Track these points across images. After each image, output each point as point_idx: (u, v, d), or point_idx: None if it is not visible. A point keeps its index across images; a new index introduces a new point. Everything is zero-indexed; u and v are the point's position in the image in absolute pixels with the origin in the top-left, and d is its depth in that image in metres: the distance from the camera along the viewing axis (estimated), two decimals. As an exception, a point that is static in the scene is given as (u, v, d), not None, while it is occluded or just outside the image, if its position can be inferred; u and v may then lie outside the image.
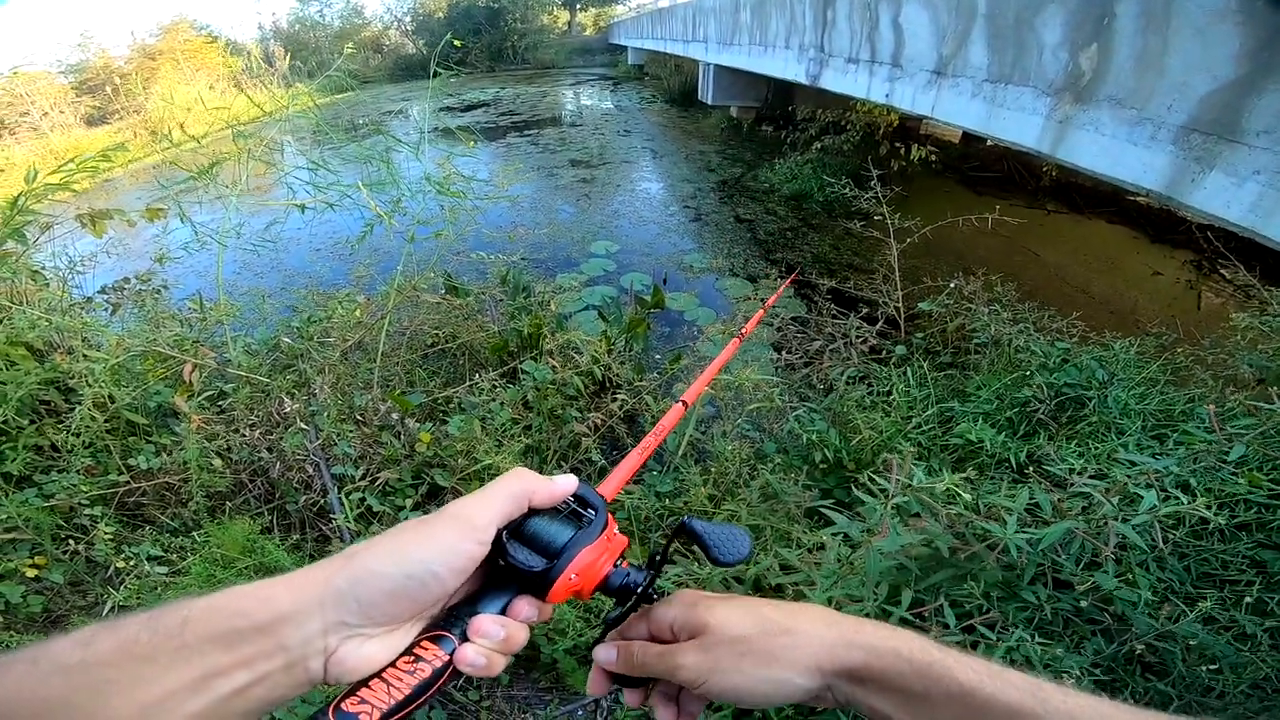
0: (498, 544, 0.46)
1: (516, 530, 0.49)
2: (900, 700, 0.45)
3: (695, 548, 0.55)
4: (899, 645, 0.46)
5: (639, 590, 0.53)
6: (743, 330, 1.91)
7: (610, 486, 0.64)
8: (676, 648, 0.51)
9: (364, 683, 0.40)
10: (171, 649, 0.35)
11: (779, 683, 0.47)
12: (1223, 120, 2.59)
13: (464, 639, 0.44)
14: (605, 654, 0.54)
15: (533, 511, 0.50)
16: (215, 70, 21.86)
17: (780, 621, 0.50)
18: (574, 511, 0.53)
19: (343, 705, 0.39)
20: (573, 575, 0.48)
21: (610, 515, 0.54)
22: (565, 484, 0.52)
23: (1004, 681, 0.42)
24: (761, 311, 2.40)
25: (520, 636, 0.47)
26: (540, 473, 0.52)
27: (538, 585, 0.48)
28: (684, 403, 0.99)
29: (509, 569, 0.47)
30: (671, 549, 0.56)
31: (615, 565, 0.53)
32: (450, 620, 0.45)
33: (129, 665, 0.34)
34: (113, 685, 0.33)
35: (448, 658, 0.42)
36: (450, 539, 0.43)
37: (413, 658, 0.42)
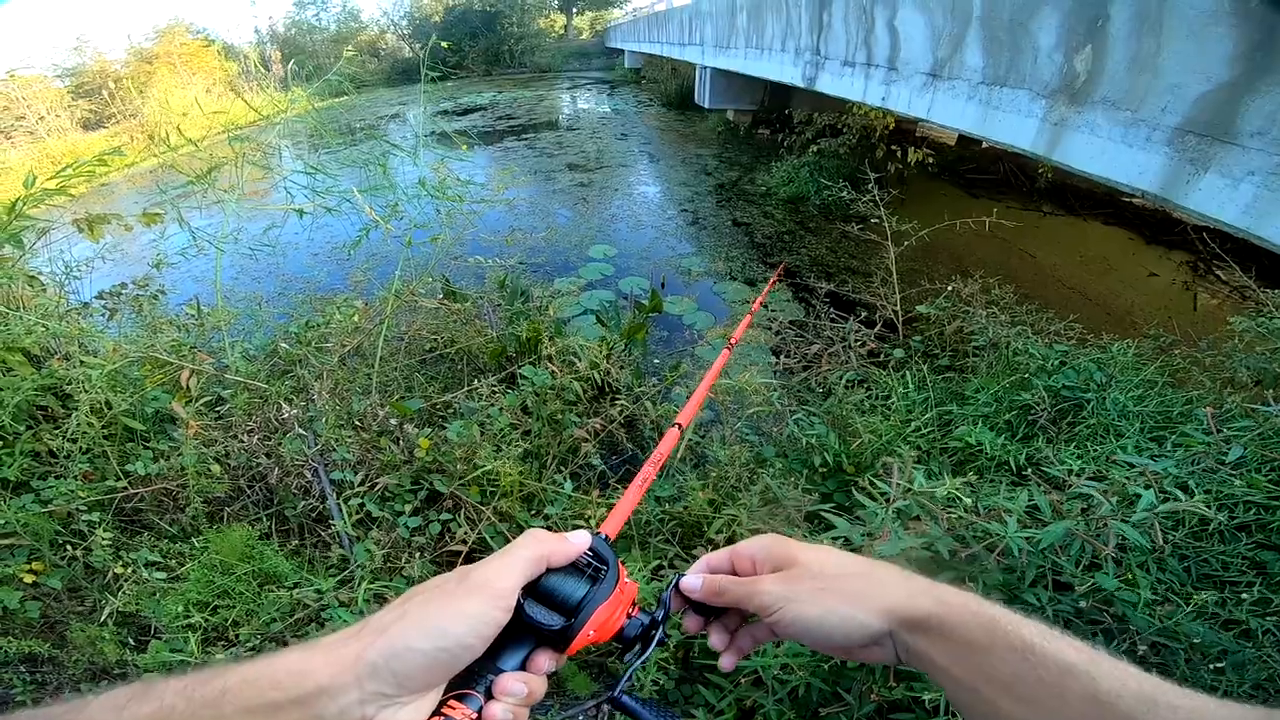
0: (517, 604, 0.48)
1: (533, 588, 0.51)
2: (962, 652, 0.46)
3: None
4: (967, 600, 0.48)
5: (655, 627, 0.57)
6: (731, 339, 1.91)
7: (613, 524, 0.67)
8: (760, 577, 0.56)
9: None
10: (208, 719, 0.36)
11: (846, 619, 0.50)
12: (1217, 122, 2.60)
13: (488, 695, 0.46)
14: (691, 582, 0.59)
15: (549, 570, 0.52)
16: (212, 74, 21.85)
17: (860, 567, 0.54)
18: (588, 566, 0.55)
19: None
20: (590, 631, 0.51)
21: (620, 564, 0.57)
22: (579, 542, 0.55)
23: (1062, 642, 0.43)
24: (748, 317, 2.40)
25: (540, 690, 0.49)
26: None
27: (556, 641, 0.50)
28: (678, 426, 1.01)
29: (528, 625, 0.49)
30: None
31: (628, 616, 0.55)
32: (473, 678, 0.47)
33: None
34: None
35: (475, 716, 0.45)
36: (478, 609, 0.45)
37: (442, 718, 0.44)
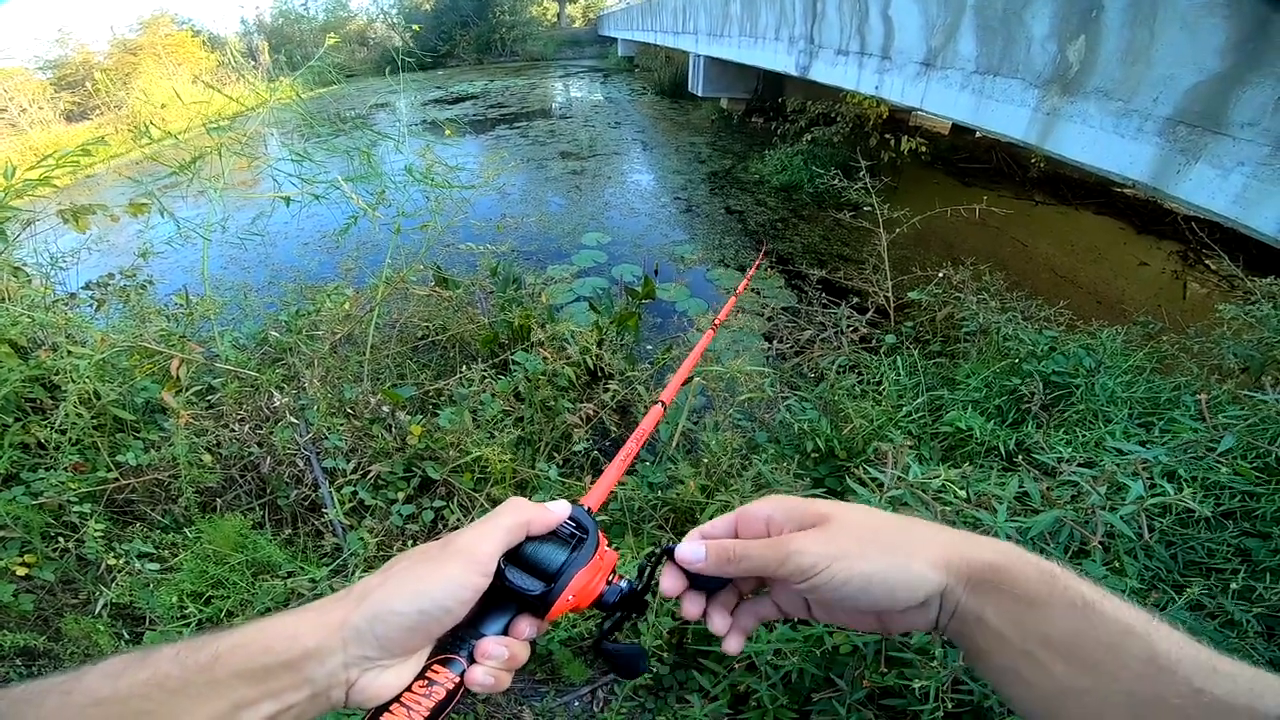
0: (498, 570, 0.49)
1: (515, 555, 0.52)
2: (1019, 608, 0.43)
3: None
4: (1023, 551, 0.46)
5: (634, 593, 0.56)
6: (715, 320, 1.91)
7: (595, 497, 0.68)
8: (792, 536, 0.49)
9: (384, 708, 0.43)
10: (202, 683, 0.37)
11: (906, 570, 0.45)
12: (1208, 112, 2.61)
13: (471, 660, 0.47)
14: (691, 551, 0.52)
15: (530, 537, 0.53)
16: (197, 65, 21.55)
17: (899, 521, 0.50)
18: (569, 534, 0.55)
19: None
20: (570, 596, 0.52)
21: (601, 532, 0.58)
22: (559, 510, 0.55)
23: (1119, 603, 0.42)
24: (732, 299, 2.38)
25: (523, 654, 0.49)
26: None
27: (537, 606, 0.51)
28: (661, 403, 1.01)
29: (509, 591, 0.50)
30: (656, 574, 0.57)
31: (608, 582, 0.55)
32: (456, 643, 0.48)
33: (162, 698, 0.36)
34: (148, 717, 0.36)
35: (458, 679, 0.46)
36: (459, 574, 0.45)
37: (426, 681, 0.45)
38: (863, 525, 0.49)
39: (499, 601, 0.50)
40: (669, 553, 0.54)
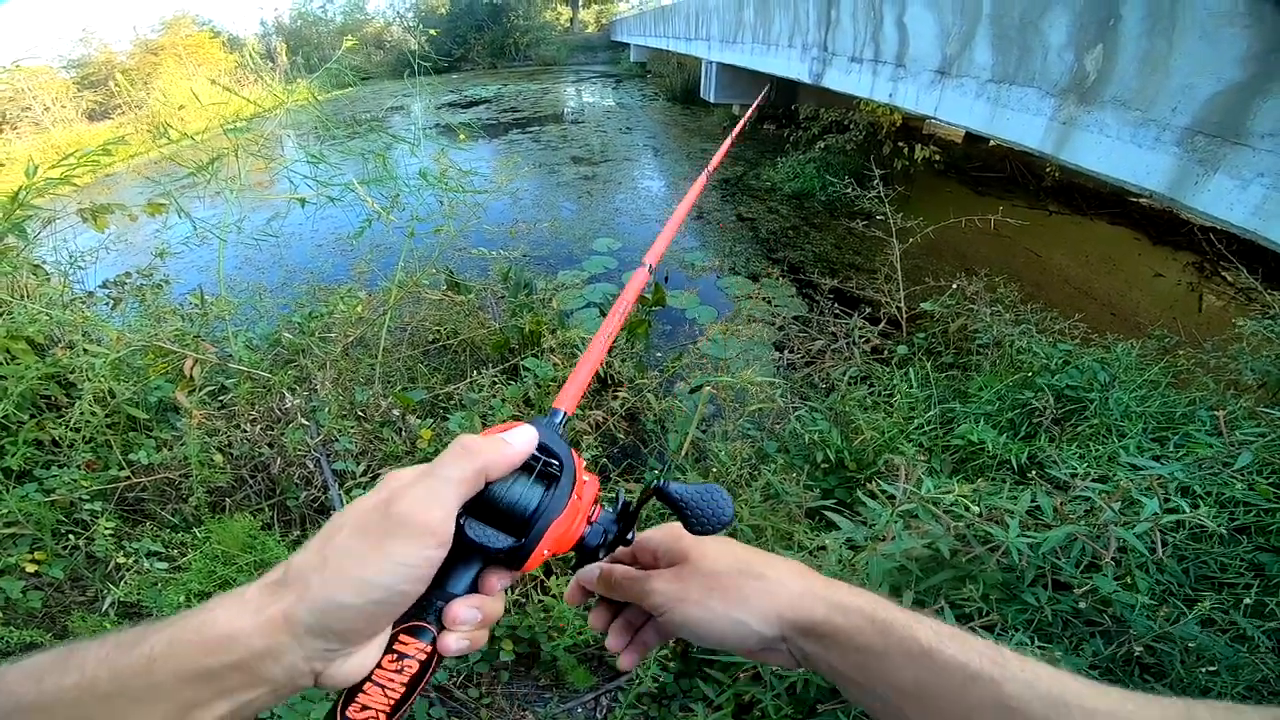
0: (457, 525, 0.42)
1: (476, 503, 0.43)
2: (858, 659, 0.44)
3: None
4: (863, 604, 0.46)
5: (619, 534, 0.52)
6: (709, 167, 1.88)
7: (569, 397, 0.58)
8: (652, 574, 0.52)
9: (358, 688, 0.41)
10: (140, 686, 0.33)
11: (738, 624, 0.47)
12: (1227, 123, 2.58)
13: (440, 625, 0.42)
14: (589, 572, 0.56)
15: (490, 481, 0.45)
16: (217, 66, 21.84)
17: (755, 566, 0.50)
18: (539, 465, 0.46)
19: (348, 713, 0.40)
20: (545, 550, 0.45)
21: (576, 455, 0.49)
22: (523, 442, 0.46)
23: (964, 645, 0.41)
24: (728, 143, 2.31)
25: (497, 610, 0.45)
26: None
27: (508, 560, 0.44)
28: (647, 265, 0.94)
29: (474, 544, 0.43)
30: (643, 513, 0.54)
31: (589, 522, 0.49)
32: (422, 608, 0.42)
33: (94, 704, 0.33)
34: None
35: (430, 648, 0.42)
36: (408, 553, 0.38)
37: (395, 655, 0.41)
38: (714, 570, 0.50)
39: (463, 555, 0.43)
40: (660, 490, 0.50)
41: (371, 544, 0.38)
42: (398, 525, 0.38)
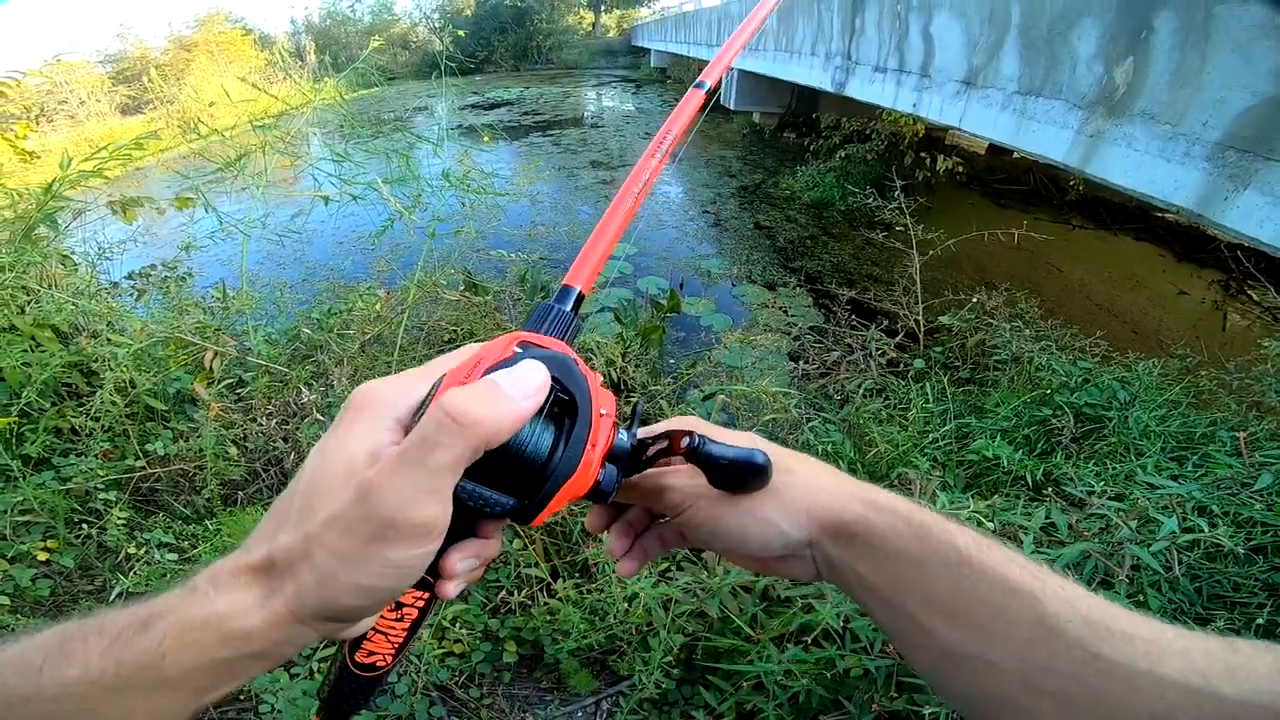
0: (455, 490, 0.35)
1: (472, 467, 0.35)
2: (891, 566, 0.40)
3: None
4: (899, 505, 0.42)
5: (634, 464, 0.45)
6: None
7: (585, 273, 0.50)
8: (666, 470, 0.47)
9: (363, 635, 0.41)
10: (150, 680, 0.32)
11: (764, 523, 0.43)
12: (1260, 137, 2.53)
13: (436, 575, 0.38)
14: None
15: None
16: (248, 63, 22.25)
17: (784, 460, 0.46)
18: (550, 404, 0.37)
19: (356, 657, 0.41)
20: (556, 510, 0.38)
21: (592, 377, 0.40)
22: (530, 396, 0.35)
23: (1005, 556, 0.38)
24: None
25: (493, 551, 0.41)
26: None
27: (513, 517, 0.37)
28: (705, 85, 0.65)
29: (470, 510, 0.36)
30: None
31: (604, 464, 0.41)
32: None
33: (102, 696, 0.32)
34: (91, 716, 0.32)
35: (428, 595, 0.41)
36: (402, 556, 0.33)
37: (394, 605, 0.41)
38: None
39: (460, 514, 0.35)
40: (693, 451, 0.43)
41: (359, 546, 0.33)
42: (387, 528, 0.32)
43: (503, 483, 0.36)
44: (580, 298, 0.48)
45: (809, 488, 0.44)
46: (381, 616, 0.41)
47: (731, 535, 0.44)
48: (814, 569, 0.45)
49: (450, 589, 0.39)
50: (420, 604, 0.41)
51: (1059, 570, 0.38)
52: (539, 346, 0.40)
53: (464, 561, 0.38)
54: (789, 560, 0.45)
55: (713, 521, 0.44)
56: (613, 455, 0.42)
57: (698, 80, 0.65)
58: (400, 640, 0.41)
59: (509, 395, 0.34)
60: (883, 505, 0.42)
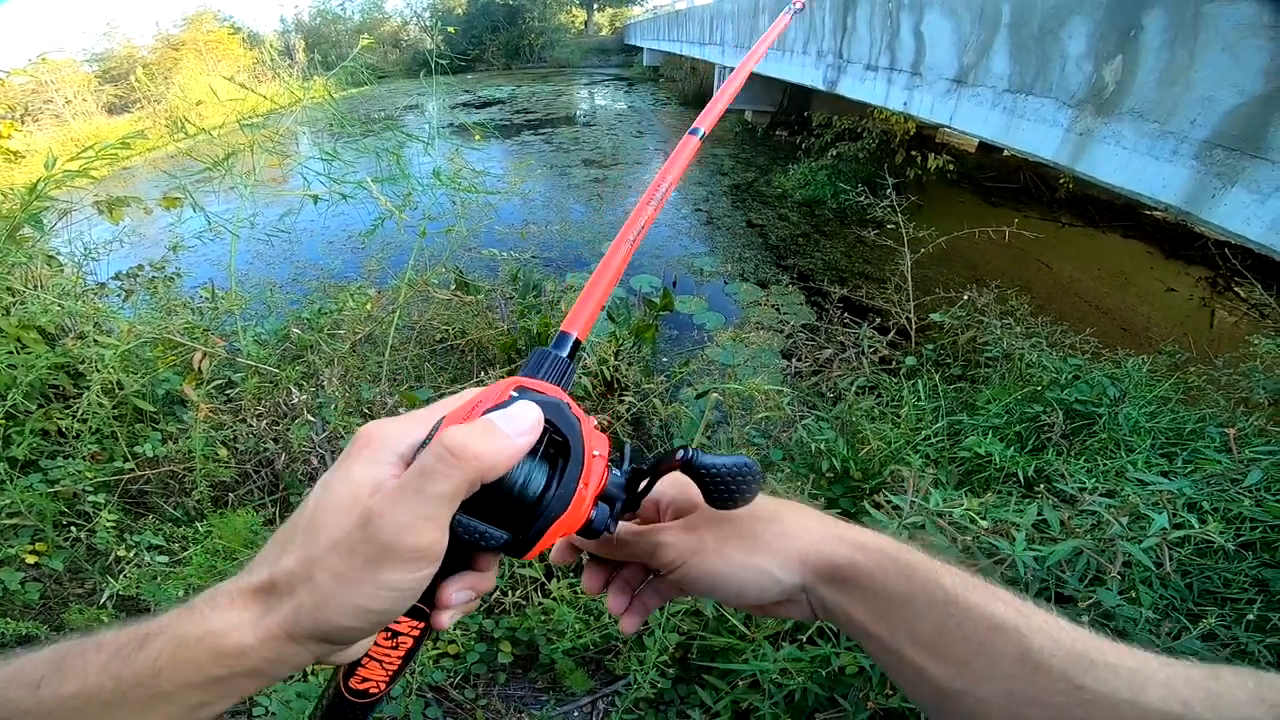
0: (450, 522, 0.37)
1: (469, 502, 0.37)
2: (881, 605, 0.42)
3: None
4: (885, 545, 0.44)
5: (617, 513, 0.45)
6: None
7: (581, 318, 0.49)
8: (660, 526, 0.49)
9: (357, 662, 0.42)
10: (145, 695, 0.33)
11: (759, 573, 0.45)
12: (1247, 136, 2.56)
13: (431, 605, 0.40)
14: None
15: None
16: (236, 62, 22.08)
17: (771, 509, 0.48)
18: (544, 445, 0.39)
19: (350, 684, 0.42)
20: (549, 546, 0.40)
21: (585, 420, 0.41)
22: (525, 434, 0.37)
23: (989, 594, 0.40)
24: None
25: (487, 584, 0.42)
26: None
27: (506, 550, 0.39)
28: (699, 134, 0.70)
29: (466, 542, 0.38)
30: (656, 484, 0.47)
31: (597, 502, 0.42)
32: None
33: (100, 711, 0.33)
34: None
35: (423, 625, 0.42)
36: (399, 579, 0.35)
37: (390, 634, 0.42)
38: (724, 517, 0.46)
39: (455, 546, 0.37)
40: (687, 463, 0.43)
41: (359, 568, 0.35)
42: (385, 552, 0.34)
43: (498, 518, 0.38)
44: (577, 344, 0.48)
45: (799, 534, 0.46)
46: (377, 644, 0.42)
47: (728, 586, 0.46)
48: (810, 610, 0.47)
49: (445, 619, 0.40)
50: (415, 633, 0.42)
51: (1044, 605, 0.40)
52: (535, 391, 0.41)
53: (460, 593, 0.40)
54: (786, 604, 0.47)
55: (710, 575, 0.46)
56: (606, 495, 0.43)
57: (692, 127, 0.69)
58: (394, 669, 0.42)
59: (504, 432, 0.36)
60: (869, 546, 0.44)
